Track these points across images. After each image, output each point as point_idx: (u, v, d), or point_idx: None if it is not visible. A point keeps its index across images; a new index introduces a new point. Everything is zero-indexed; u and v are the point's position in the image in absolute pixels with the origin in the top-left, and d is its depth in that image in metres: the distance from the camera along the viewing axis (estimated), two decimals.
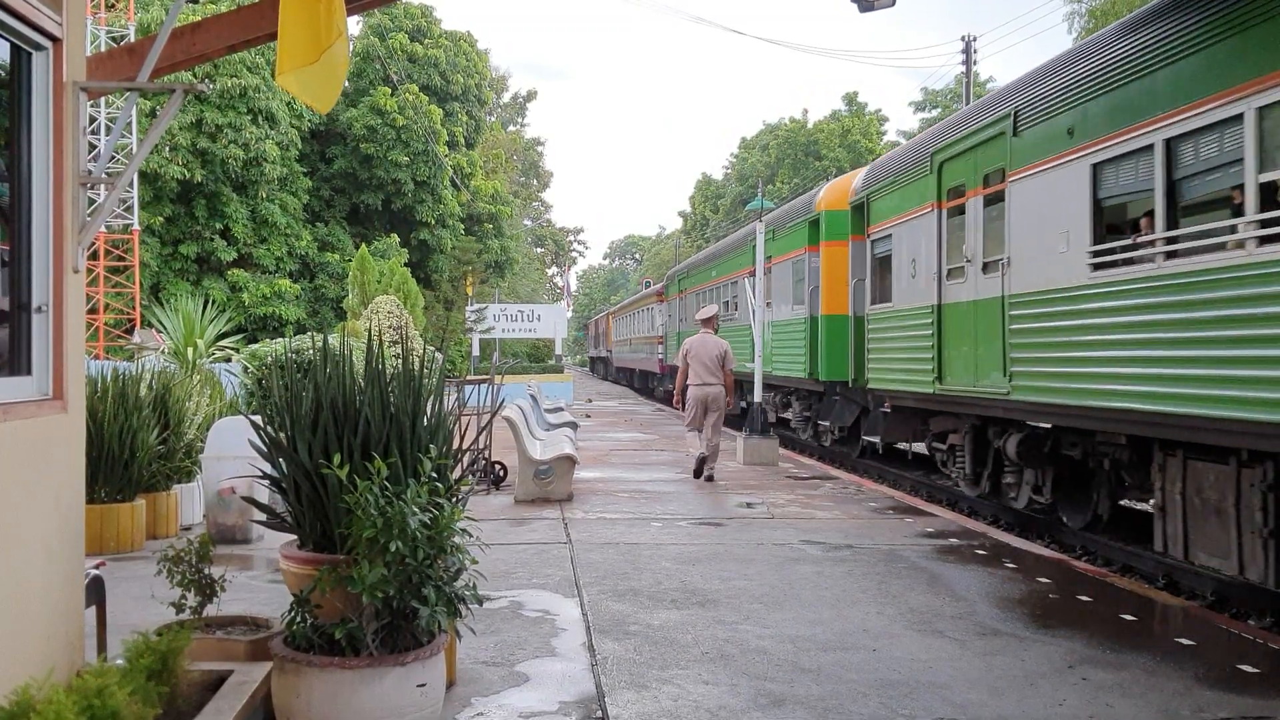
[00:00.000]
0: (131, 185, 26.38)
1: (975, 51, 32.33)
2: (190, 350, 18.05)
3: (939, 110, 52.41)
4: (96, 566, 4.54)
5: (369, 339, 4.63)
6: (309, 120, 33.91)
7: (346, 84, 36.32)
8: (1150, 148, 7.56)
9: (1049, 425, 9.46)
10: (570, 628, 5.87)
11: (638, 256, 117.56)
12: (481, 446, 11.46)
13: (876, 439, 13.98)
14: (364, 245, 29.15)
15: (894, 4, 9.21)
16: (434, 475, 4.20)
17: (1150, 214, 7.61)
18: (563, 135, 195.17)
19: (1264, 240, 6.32)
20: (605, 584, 6.95)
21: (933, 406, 11.83)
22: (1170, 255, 7.37)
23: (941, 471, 12.77)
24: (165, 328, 20.25)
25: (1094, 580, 7.29)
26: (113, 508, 7.85)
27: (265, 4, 4.82)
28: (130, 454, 8.02)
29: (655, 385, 35.40)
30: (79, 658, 3.81)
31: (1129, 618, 6.17)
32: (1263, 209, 6.36)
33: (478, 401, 10.37)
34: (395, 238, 35.01)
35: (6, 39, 3.50)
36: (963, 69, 32.36)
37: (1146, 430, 7.74)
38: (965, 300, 10.76)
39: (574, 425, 15.89)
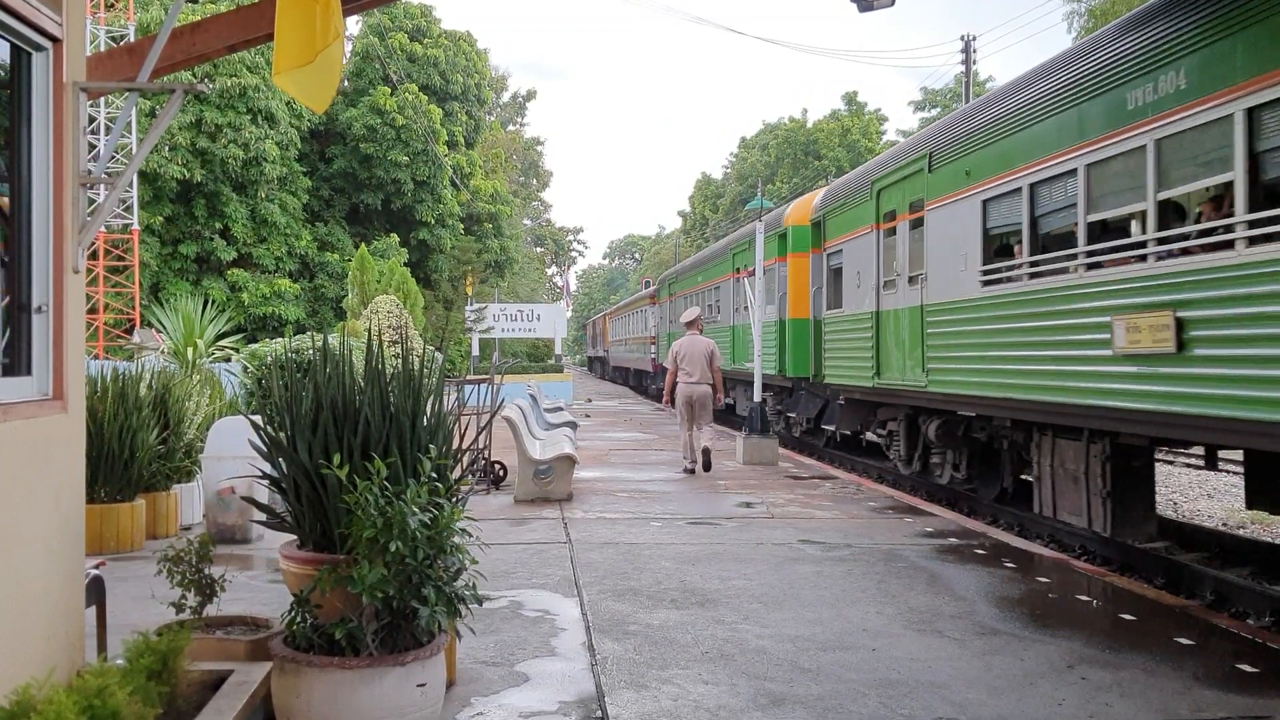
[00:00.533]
0: (131, 185, 26.38)
1: (975, 51, 32.33)
2: (190, 350, 18.05)
3: (939, 110, 52.41)
4: (96, 566, 4.54)
5: (369, 339, 4.63)
6: (308, 120, 33.91)
7: (346, 83, 36.46)
8: (1020, 190, 9.51)
9: (961, 412, 11.14)
10: (570, 627, 5.88)
11: (637, 256, 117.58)
12: (481, 446, 11.46)
13: (834, 428, 15.68)
14: (363, 245, 29.15)
15: (893, 3, 9.22)
16: (434, 475, 4.21)
17: (1020, 242, 9.58)
18: (562, 135, 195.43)
19: (1090, 267, 8.41)
20: (605, 584, 6.95)
21: (875, 398, 13.56)
22: (1033, 276, 9.29)
23: (885, 455, 14.42)
24: (165, 327, 20.24)
25: (1093, 580, 7.29)
26: (113, 507, 7.86)
27: (265, 4, 4.83)
28: (130, 454, 8.02)
29: (649, 384, 37.05)
30: (79, 658, 3.81)
31: (1128, 617, 6.18)
32: (1090, 242, 8.40)
33: (477, 401, 10.37)
34: (395, 237, 35.02)
35: (6, 39, 3.51)
36: (962, 69, 32.37)
37: (1024, 415, 9.56)
38: (896, 308, 12.65)
39: (573, 425, 15.89)
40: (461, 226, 39.14)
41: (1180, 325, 7.23)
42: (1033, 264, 9.26)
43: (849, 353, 14.43)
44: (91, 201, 4.62)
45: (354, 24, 39.59)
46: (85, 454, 4.05)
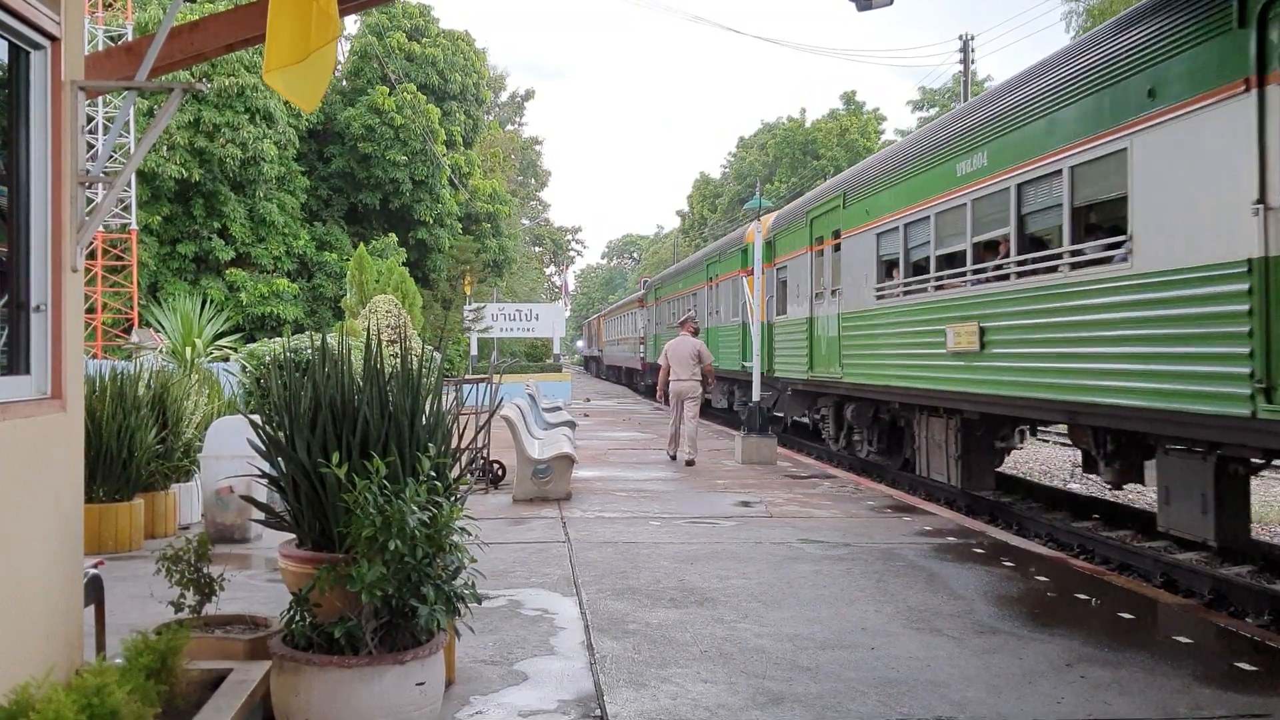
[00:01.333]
0: (129, 184, 26.36)
1: (973, 51, 32.34)
2: (188, 349, 18.06)
3: (937, 109, 52.43)
4: (95, 565, 4.54)
5: (367, 338, 4.63)
6: (307, 119, 33.89)
7: (344, 83, 36.47)
8: (898, 228, 12.50)
9: (868, 398, 13.92)
10: (569, 626, 5.88)
11: (636, 256, 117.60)
12: (480, 445, 11.46)
13: (782, 414, 18.87)
14: (362, 244, 29.13)
15: (892, 3, 9.21)
16: (432, 474, 4.21)
17: (899, 267, 12.47)
18: (560, 134, 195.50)
19: (936, 288, 11.46)
20: (604, 583, 6.96)
21: (811, 389, 16.34)
22: (905, 294, 12.28)
23: (821, 436, 17.13)
24: (163, 327, 20.26)
25: (1091, 579, 7.30)
26: (111, 507, 7.85)
27: (263, 3, 4.81)
28: (128, 453, 8.01)
29: (639, 380, 39.84)
30: (78, 657, 3.81)
31: (1127, 616, 6.18)
32: (938, 270, 11.44)
33: (476, 401, 10.37)
34: (393, 237, 35.00)
35: (5, 38, 3.50)
36: (961, 68, 32.37)
37: (906, 399, 12.40)
38: (823, 315, 15.64)
39: (572, 424, 15.89)
40: (460, 226, 39.12)
41: (983, 332, 10.19)
42: (905, 285, 12.25)
43: (791, 351, 17.32)
44: (90, 201, 4.62)
45: (352, 23, 39.60)
46: (84, 453, 4.04)
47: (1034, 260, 9.35)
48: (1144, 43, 7.75)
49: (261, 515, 4.73)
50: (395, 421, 4.38)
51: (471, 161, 41.27)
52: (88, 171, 3.99)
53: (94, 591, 4.35)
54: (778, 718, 4.43)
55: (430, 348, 16.66)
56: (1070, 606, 6.44)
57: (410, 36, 38.67)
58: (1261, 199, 6.41)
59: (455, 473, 4.74)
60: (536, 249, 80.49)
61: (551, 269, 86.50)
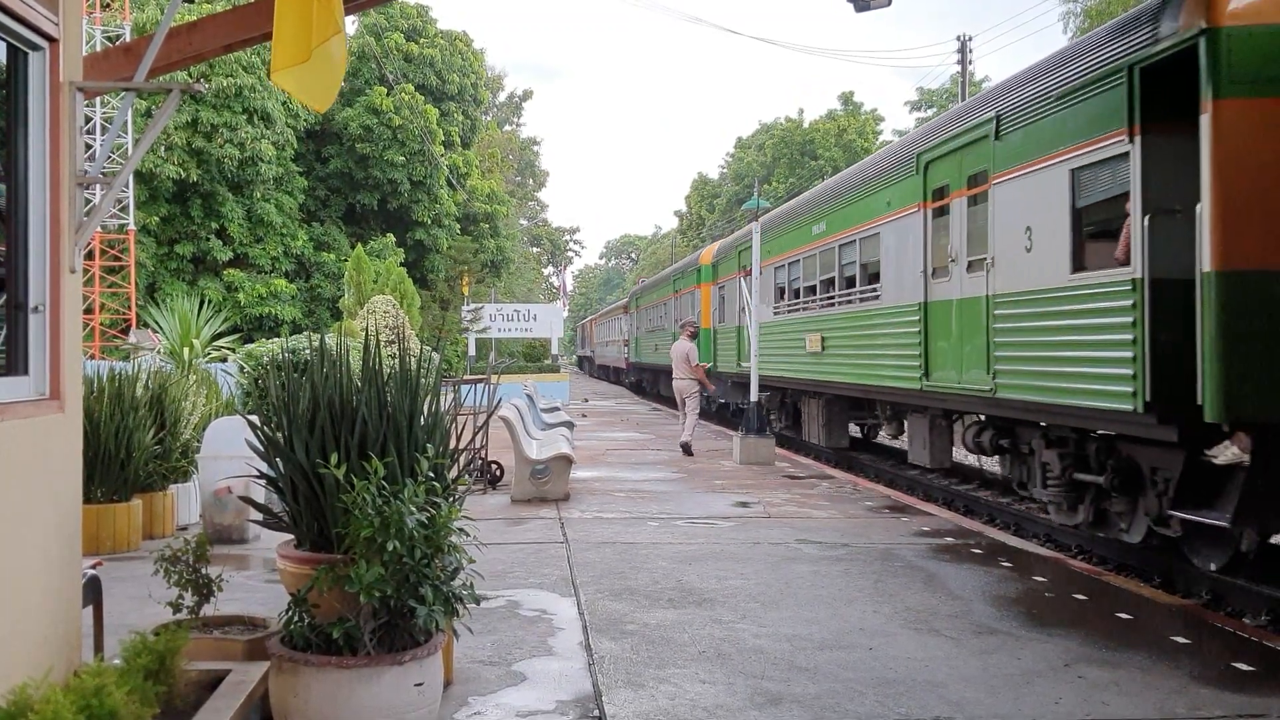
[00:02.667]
0: (127, 185, 26.34)
1: (970, 51, 32.37)
2: (186, 350, 18.05)
3: (934, 109, 52.45)
4: (93, 566, 4.54)
5: (366, 339, 4.63)
6: (305, 120, 33.85)
7: (342, 83, 36.36)
8: (784, 265, 17.77)
9: (776, 386, 18.60)
10: (567, 627, 5.88)
11: (634, 256, 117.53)
12: (478, 446, 11.46)
13: (722, 399, 23.52)
14: (360, 245, 29.11)
15: (890, 3, 9.22)
16: (431, 475, 4.21)
17: (785, 293, 17.65)
18: (559, 135, 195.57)
19: (803, 310, 16.48)
20: (602, 583, 6.96)
21: (742, 380, 19.18)
22: (789, 311, 17.21)
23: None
24: (161, 328, 20.25)
25: (1089, 579, 7.30)
26: (109, 508, 7.85)
27: (262, 3, 4.82)
28: (127, 454, 8.01)
29: (624, 377, 45.43)
30: (76, 657, 3.81)
31: (1124, 616, 6.19)
32: (804, 298, 16.22)
33: (474, 401, 10.37)
34: (391, 237, 34.96)
35: (3, 39, 3.50)
36: (958, 68, 32.39)
37: (795, 386, 17.44)
38: (745, 324, 19.33)
39: (570, 425, 15.89)
40: (458, 226, 39.06)
41: (824, 340, 15.31)
42: (788, 306, 17.83)
43: (728, 350, 22.18)
44: (88, 201, 4.62)
45: (350, 24, 39.53)
46: (82, 454, 4.04)
47: (844, 295, 14.70)
48: (884, 175, 13.31)
49: (260, 516, 4.73)
50: (393, 422, 4.38)
51: (469, 162, 41.24)
52: (86, 172, 3.99)
53: (92, 592, 4.35)
54: (776, 718, 4.43)
55: (428, 348, 16.65)
56: (1068, 606, 6.45)
57: (408, 37, 38.64)
58: (924, 268, 11.61)
59: (453, 473, 4.74)
60: (535, 249, 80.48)
61: (549, 269, 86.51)
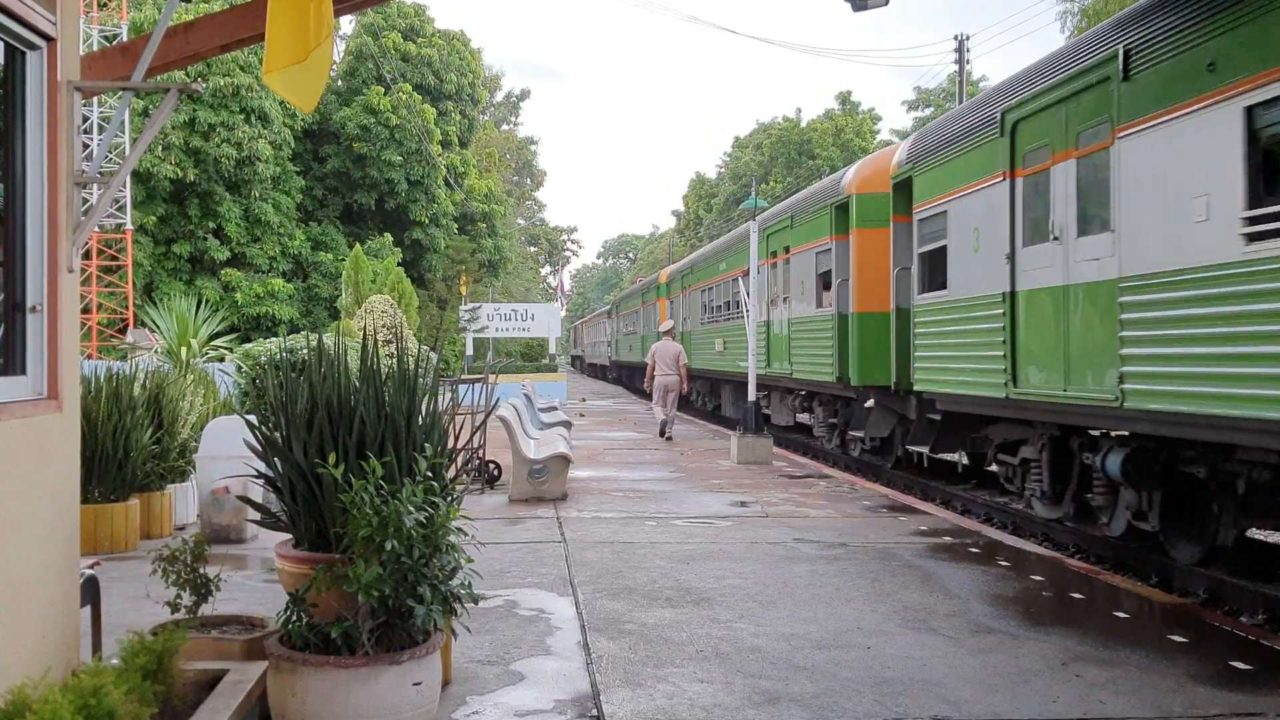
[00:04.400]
0: (125, 185, 26.31)
1: (968, 50, 32.39)
2: (184, 350, 18.03)
3: (932, 109, 52.47)
4: (91, 566, 4.54)
5: (363, 338, 4.63)
6: (302, 120, 33.82)
7: (340, 83, 36.40)
8: (706, 289, 25.67)
9: (706, 377, 26.00)
10: (565, 626, 5.88)
11: (632, 256, 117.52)
12: (476, 446, 11.46)
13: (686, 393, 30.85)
14: (358, 245, 29.08)
15: (887, 3, 9.22)
16: (429, 474, 4.21)
17: (706, 308, 25.76)
18: (556, 134, 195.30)
19: (715, 322, 24.51)
20: (600, 583, 6.96)
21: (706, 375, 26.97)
22: (708, 324, 25.03)
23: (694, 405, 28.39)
24: (159, 327, 20.23)
25: (1087, 578, 7.32)
26: (107, 508, 7.84)
27: (258, 3, 4.81)
28: (124, 454, 8.01)
29: (608, 373, 53.95)
30: (74, 657, 3.81)
31: (1122, 615, 6.20)
32: (716, 313, 24.60)
33: (472, 401, 10.36)
34: (389, 237, 34.93)
35: (1, 39, 3.50)
36: (956, 68, 32.41)
37: (715, 377, 25.09)
38: (688, 330, 27.60)
39: (568, 424, 15.89)
40: (455, 226, 39.01)
41: (724, 342, 22.59)
42: (710, 319, 24.59)
43: (694, 350, 26.53)
44: (85, 201, 4.62)
45: (347, 23, 39.54)
46: (79, 454, 4.04)
47: (730, 313, 21.99)
48: (737, 244, 20.53)
49: (258, 516, 4.73)
50: (392, 422, 4.38)
51: (467, 161, 41.20)
52: (83, 171, 3.99)
53: (90, 592, 4.35)
54: (774, 717, 4.44)
55: (426, 348, 16.64)
56: (1065, 605, 6.46)
57: (406, 36, 38.60)
58: (772, 300, 18.72)
59: (451, 473, 4.74)
60: (532, 249, 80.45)
61: (547, 269, 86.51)
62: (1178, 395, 7.28)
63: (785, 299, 17.28)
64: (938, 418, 11.71)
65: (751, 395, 15.21)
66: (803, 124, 64.66)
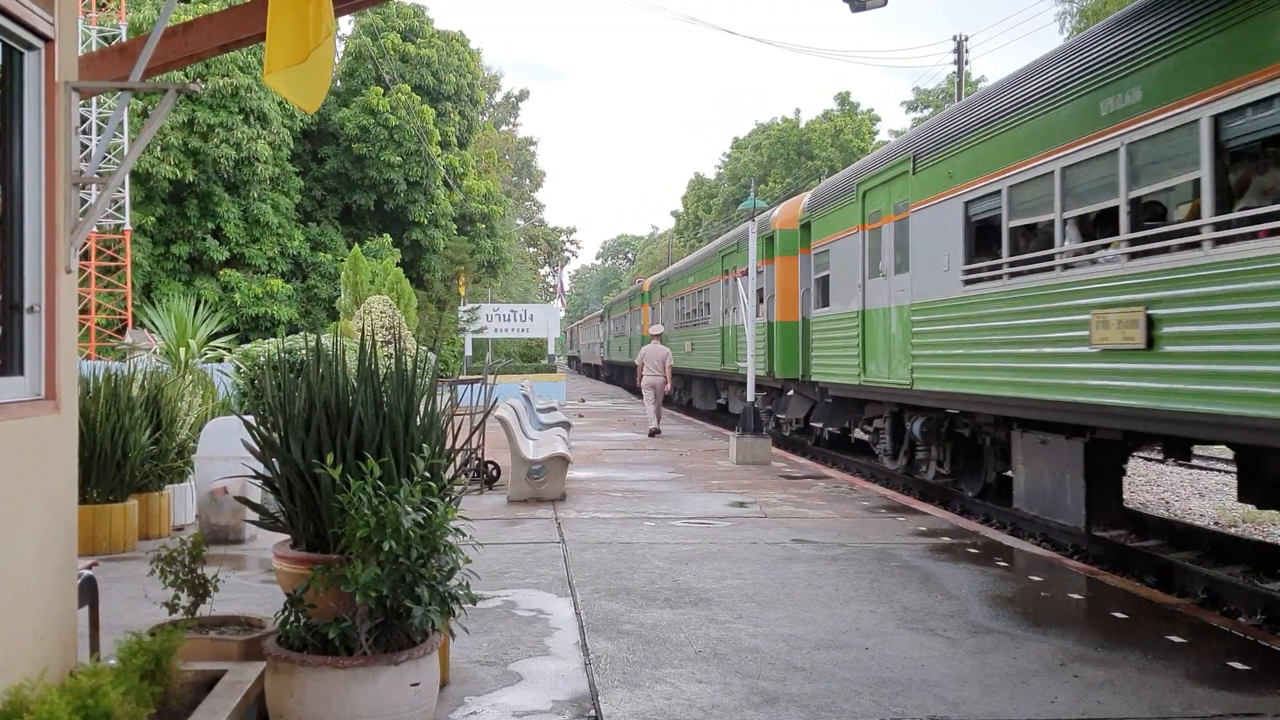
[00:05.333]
0: (123, 185, 26.29)
1: (967, 51, 32.40)
2: (182, 350, 18.01)
3: (931, 110, 52.48)
4: (89, 567, 4.54)
5: (362, 339, 4.63)
6: (301, 120, 33.83)
7: (339, 84, 36.38)
8: (681, 298, 29.29)
9: (683, 376, 28.38)
10: (563, 627, 5.88)
11: (631, 256, 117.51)
12: (474, 446, 11.46)
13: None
14: (356, 245, 29.08)
15: (885, 4, 9.23)
16: (427, 475, 4.21)
17: (675, 314, 29.88)
18: (555, 134, 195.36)
19: (688, 326, 27.61)
20: (598, 583, 6.96)
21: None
22: (680, 327, 28.41)
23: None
24: (157, 328, 20.20)
25: (1085, 578, 7.32)
26: (105, 508, 7.84)
27: (257, 3, 4.82)
28: (122, 454, 8.00)
29: (600, 373, 57.89)
30: (72, 658, 3.81)
31: (1120, 615, 6.20)
32: (684, 319, 28.56)
33: (470, 401, 10.36)
34: (388, 238, 34.93)
35: None
36: (955, 68, 32.41)
37: (692, 374, 27.31)
38: (670, 332, 28.09)
39: (567, 425, 15.89)
40: (454, 227, 39.01)
41: (693, 344, 26.34)
42: (681, 324, 28.31)
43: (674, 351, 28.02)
44: (84, 201, 4.62)
45: (346, 24, 39.52)
46: (78, 454, 4.04)
47: (697, 319, 25.11)
48: (710, 256, 24.74)
49: (256, 516, 4.73)
50: (390, 422, 4.38)
51: (466, 162, 41.21)
52: (82, 172, 3.99)
53: (88, 593, 4.35)
54: (772, 718, 4.44)
55: (425, 348, 16.64)
56: (1064, 606, 6.46)
57: (405, 37, 38.60)
58: (732, 310, 21.83)
59: (450, 473, 4.74)
60: (531, 249, 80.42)
61: (546, 269, 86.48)
62: (941, 380, 11.43)
63: (734, 309, 21.02)
64: (830, 401, 15.88)
65: (750, 395, 15.21)
66: (801, 125, 64.70)
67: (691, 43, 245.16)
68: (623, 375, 44.76)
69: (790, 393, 17.99)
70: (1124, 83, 8.08)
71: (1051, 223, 9.16)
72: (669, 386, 19.95)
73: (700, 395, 27.41)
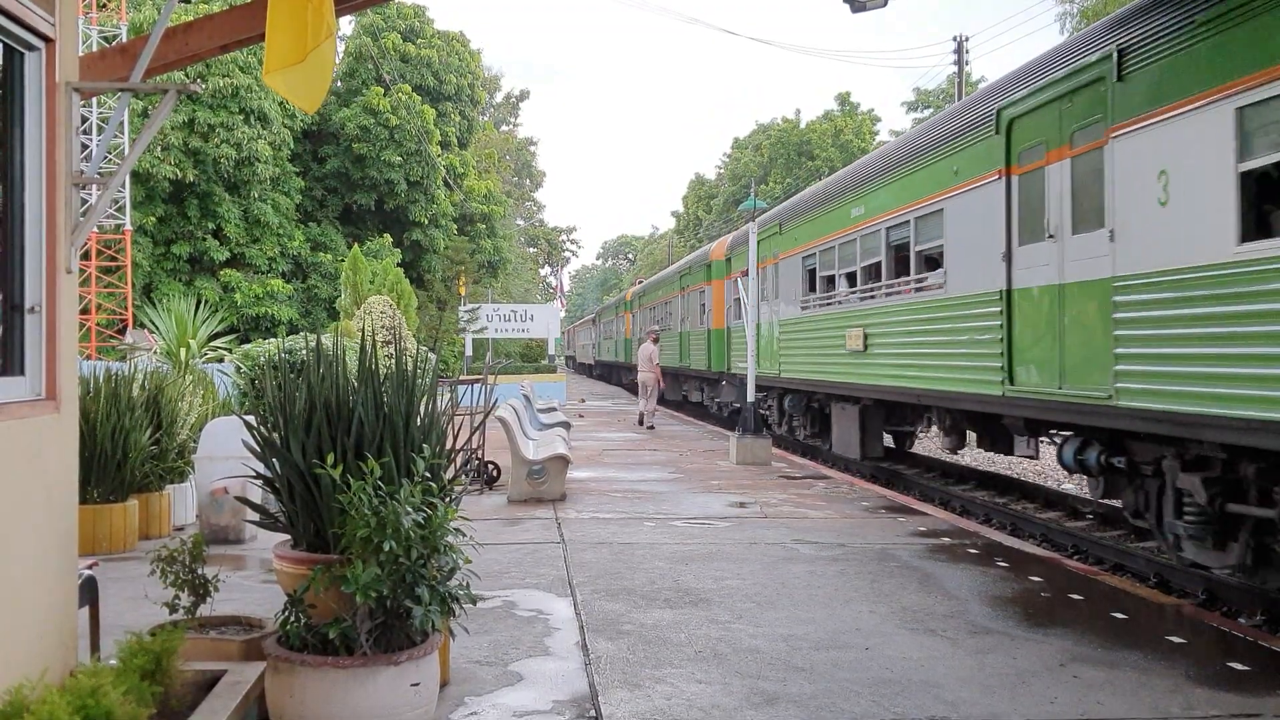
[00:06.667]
0: (124, 185, 26.29)
1: (967, 51, 32.40)
2: (183, 350, 18.02)
3: (931, 110, 52.46)
4: (89, 567, 4.54)
5: (362, 339, 4.63)
6: (301, 120, 33.84)
7: (339, 84, 36.40)
8: (654, 308, 34.00)
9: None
10: (564, 627, 5.88)
11: (631, 257, 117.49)
12: (475, 446, 11.46)
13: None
14: (357, 245, 29.08)
15: (885, 4, 9.23)
16: (427, 475, 4.21)
17: (645, 325, 34.05)
18: (556, 135, 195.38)
19: (664, 330, 30.61)
20: (598, 583, 6.96)
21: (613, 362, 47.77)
22: (659, 332, 25.64)
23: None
24: (157, 328, 20.20)
25: (1085, 579, 7.32)
26: (105, 508, 7.84)
27: (257, 4, 4.82)
28: (123, 454, 8.00)
29: (593, 372, 62.90)
30: (72, 658, 3.81)
31: (1120, 616, 6.20)
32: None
33: (471, 401, 10.35)
34: (388, 238, 34.95)
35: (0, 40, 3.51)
36: (955, 69, 32.41)
37: (662, 369, 24.83)
38: (634, 337, 37.04)
39: (567, 425, 15.89)
40: (455, 227, 39.03)
41: (662, 347, 24.72)
42: (652, 333, 23.77)
43: (616, 348, 42.23)
44: (84, 202, 4.62)
45: (347, 24, 39.52)
46: (78, 454, 4.04)
47: (663, 326, 30.03)
48: (687, 269, 28.99)
49: (256, 516, 4.73)
50: (390, 423, 4.38)
51: (466, 162, 41.22)
52: (82, 172, 3.99)
53: (88, 593, 4.35)
54: (772, 718, 4.44)
55: (425, 349, 16.61)
56: (1064, 607, 6.46)
57: (405, 37, 38.62)
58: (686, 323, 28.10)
59: (450, 474, 4.74)
60: (531, 249, 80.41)
61: (546, 269, 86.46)
62: (794, 371, 16.89)
63: (687, 318, 27.35)
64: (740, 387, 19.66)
65: (750, 396, 15.21)
66: (802, 125, 64.65)
67: (692, 43, 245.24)
68: (612, 373, 51.73)
69: (724, 382, 23.24)
70: (860, 200, 13.87)
71: (833, 276, 14.95)
72: (662, 384, 22.31)
73: (668, 388, 29.76)
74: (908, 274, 12.14)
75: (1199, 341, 6.83)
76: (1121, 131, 7.72)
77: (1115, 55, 7.83)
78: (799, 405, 17.25)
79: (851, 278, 14.03)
